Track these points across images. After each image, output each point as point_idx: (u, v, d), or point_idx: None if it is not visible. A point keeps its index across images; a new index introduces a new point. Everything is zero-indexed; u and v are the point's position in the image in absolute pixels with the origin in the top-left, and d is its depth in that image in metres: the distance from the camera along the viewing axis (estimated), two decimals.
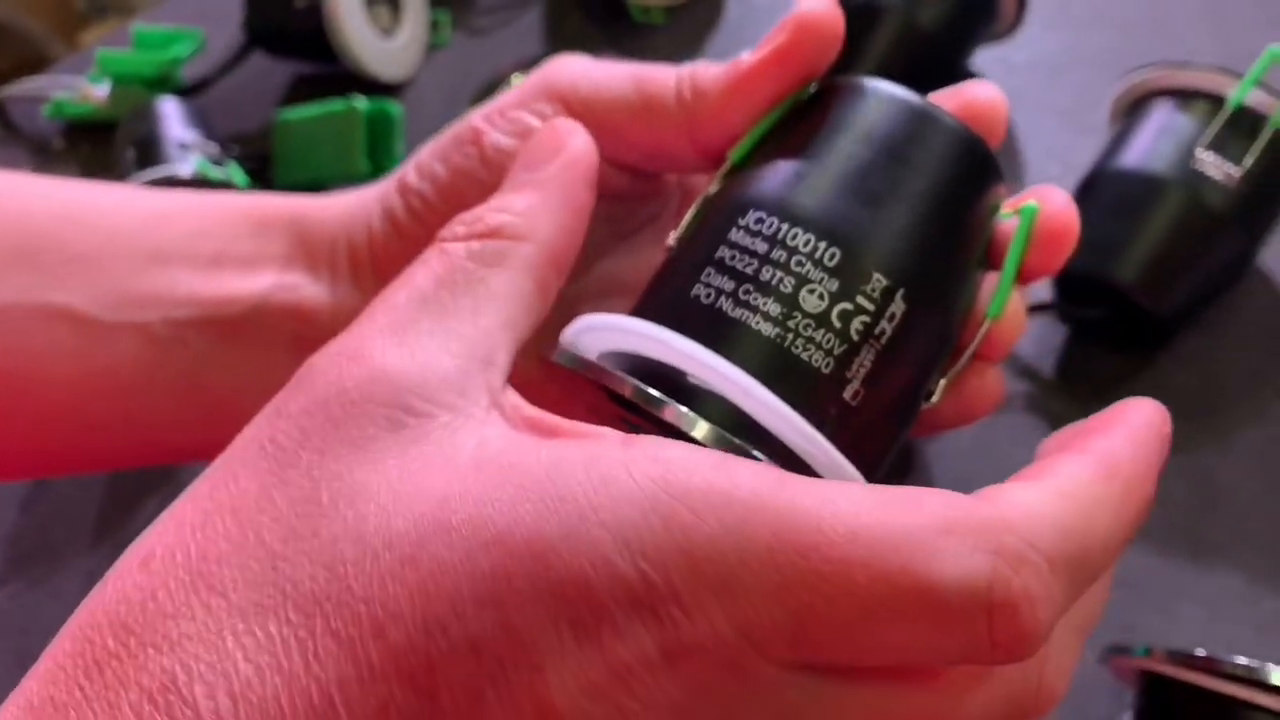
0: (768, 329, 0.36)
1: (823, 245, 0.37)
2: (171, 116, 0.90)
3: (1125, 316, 0.70)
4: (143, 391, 0.47)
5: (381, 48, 0.97)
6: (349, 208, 0.48)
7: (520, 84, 0.45)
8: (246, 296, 0.47)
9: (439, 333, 0.32)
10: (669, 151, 0.44)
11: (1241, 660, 0.50)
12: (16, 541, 0.73)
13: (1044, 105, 0.89)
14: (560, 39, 1.02)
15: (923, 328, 0.38)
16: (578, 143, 0.40)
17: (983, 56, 0.91)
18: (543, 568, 0.26)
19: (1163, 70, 0.72)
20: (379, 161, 0.88)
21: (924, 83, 0.84)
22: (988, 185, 0.41)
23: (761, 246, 0.37)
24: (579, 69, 0.44)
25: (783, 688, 0.27)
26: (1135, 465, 0.32)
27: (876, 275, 0.37)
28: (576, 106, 0.43)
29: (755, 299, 0.37)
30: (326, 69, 0.99)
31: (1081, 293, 0.71)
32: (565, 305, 0.40)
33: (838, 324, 0.37)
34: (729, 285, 0.37)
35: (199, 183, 0.83)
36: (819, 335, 0.36)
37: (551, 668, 0.26)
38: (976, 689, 0.30)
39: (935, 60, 0.83)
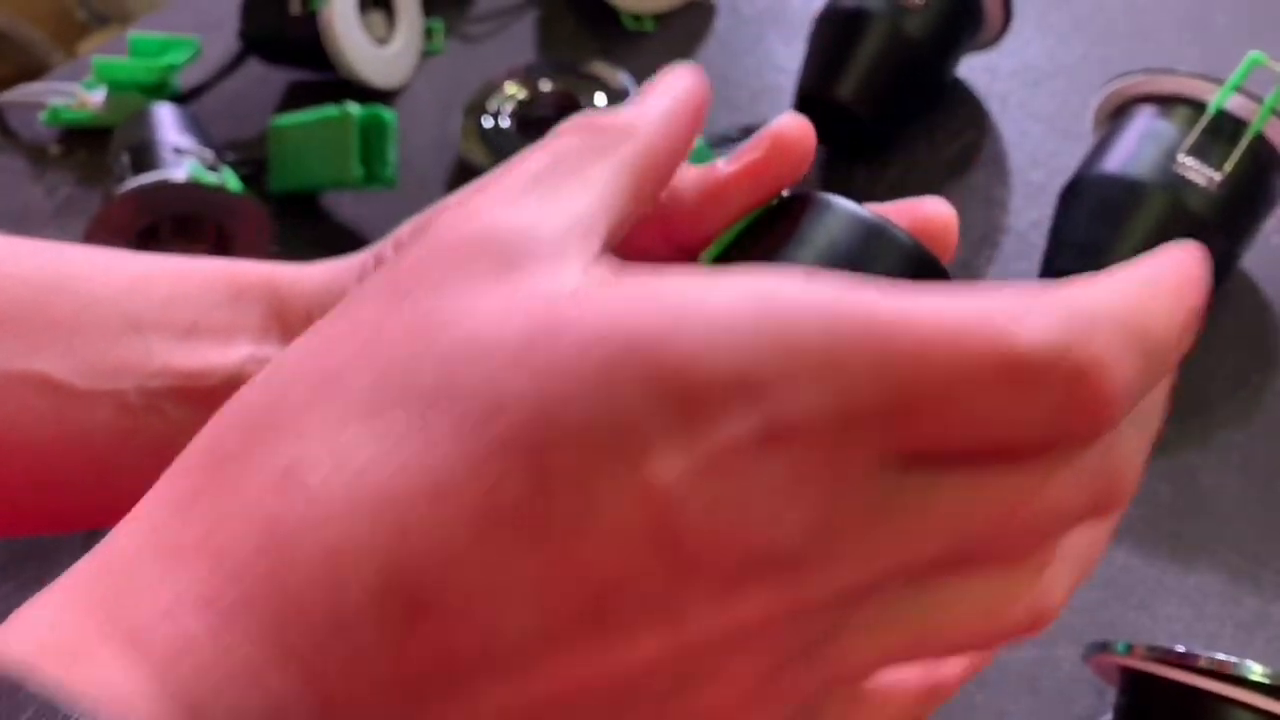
0: None
1: None
2: (167, 122, 0.89)
3: None
4: (116, 458, 0.47)
5: (376, 55, 0.97)
6: (326, 280, 0.48)
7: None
8: (222, 368, 0.47)
9: (545, 204, 0.34)
10: (640, 245, 0.44)
11: (1220, 656, 0.50)
12: (9, 543, 0.72)
13: (1028, 112, 0.89)
14: (552, 47, 1.02)
15: None
16: (697, 78, 0.41)
17: (968, 64, 0.91)
18: (647, 359, 0.28)
19: (1145, 77, 0.72)
20: (372, 168, 0.88)
21: (912, 90, 0.85)
22: None
23: None
24: None
25: (876, 480, 0.28)
26: (1179, 271, 0.32)
27: None
28: None
29: None
30: (321, 76, 0.98)
31: None
32: None
33: None
34: None
35: (192, 187, 0.82)
36: None
37: (656, 450, 0.27)
38: (1057, 472, 0.31)
39: (922, 68, 0.84)
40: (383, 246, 0.46)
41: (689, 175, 0.43)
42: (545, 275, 0.31)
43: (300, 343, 0.32)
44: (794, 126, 0.42)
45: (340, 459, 0.28)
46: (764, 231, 0.43)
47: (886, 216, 0.41)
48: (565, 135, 0.37)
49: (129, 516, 0.29)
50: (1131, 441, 0.33)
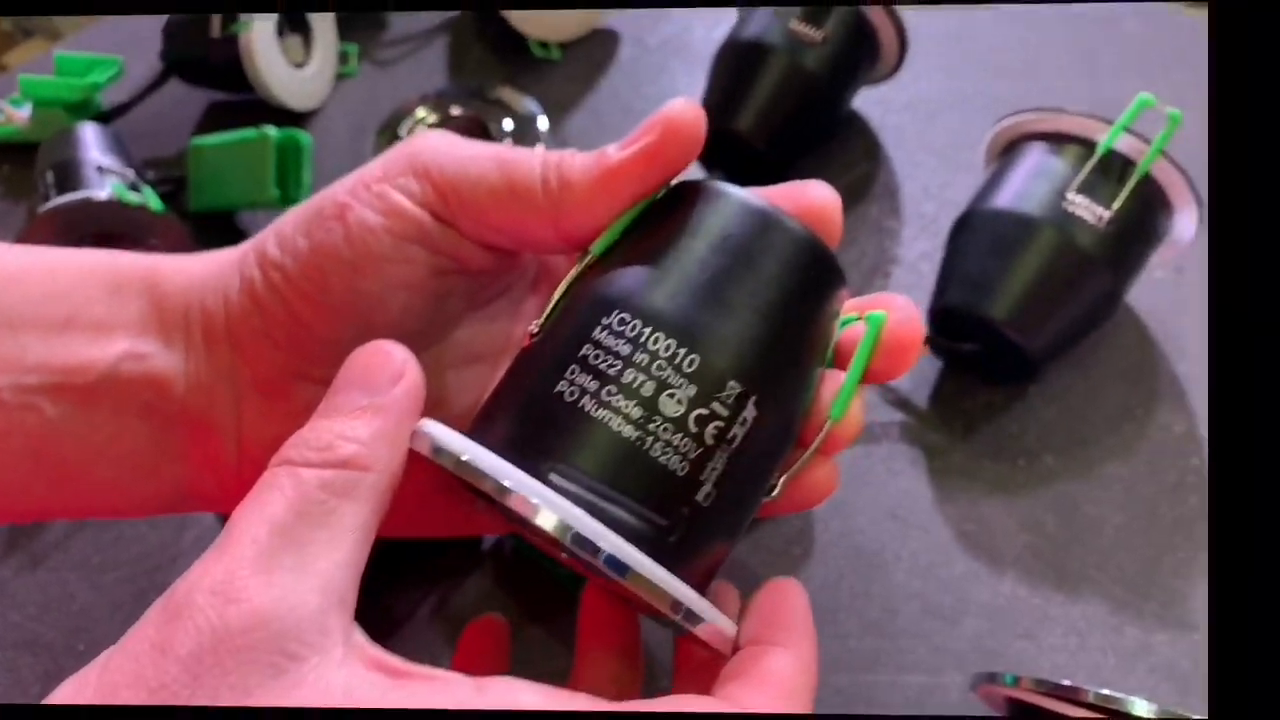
0: (628, 431, 0.36)
1: (682, 351, 0.37)
2: (91, 141, 0.86)
3: (998, 351, 0.68)
4: None
5: (293, 78, 0.93)
6: (206, 274, 0.45)
7: (384, 157, 0.43)
8: (98, 364, 0.43)
9: (299, 570, 0.33)
10: (532, 236, 0.42)
11: (1106, 691, 0.48)
12: None
13: (922, 144, 0.86)
14: (462, 71, 0.99)
15: (771, 429, 0.39)
16: (414, 372, 0.39)
17: (864, 97, 0.88)
18: None
19: (1037, 115, 0.70)
20: (287, 189, 0.85)
21: (809, 122, 0.83)
22: (833, 289, 0.41)
23: (625, 348, 0.37)
24: (444, 146, 0.43)
25: None
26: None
27: (731, 383, 0.37)
28: (441, 185, 0.42)
29: (617, 401, 0.37)
30: (240, 98, 0.95)
31: (956, 327, 0.68)
32: (425, 375, 0.39)
33: (694, 429, 0.37)
34: (592, 385, 0.37)
35: (115, 206, 0.79)
36: (676, 439, 0.36)
37: None
38: None
39: (819, 101, 0.81)
40: (263, 240, 0.43)
41: (578, 162, 0.41)
42: (315, 679, 0.31)
43: None
44: (685, 110, 0.40)
45: None
46: (657, 221, 0.41)
47: (774, 204, 0.40)
48: (303, 470, 0.35)
49: None
50: None
